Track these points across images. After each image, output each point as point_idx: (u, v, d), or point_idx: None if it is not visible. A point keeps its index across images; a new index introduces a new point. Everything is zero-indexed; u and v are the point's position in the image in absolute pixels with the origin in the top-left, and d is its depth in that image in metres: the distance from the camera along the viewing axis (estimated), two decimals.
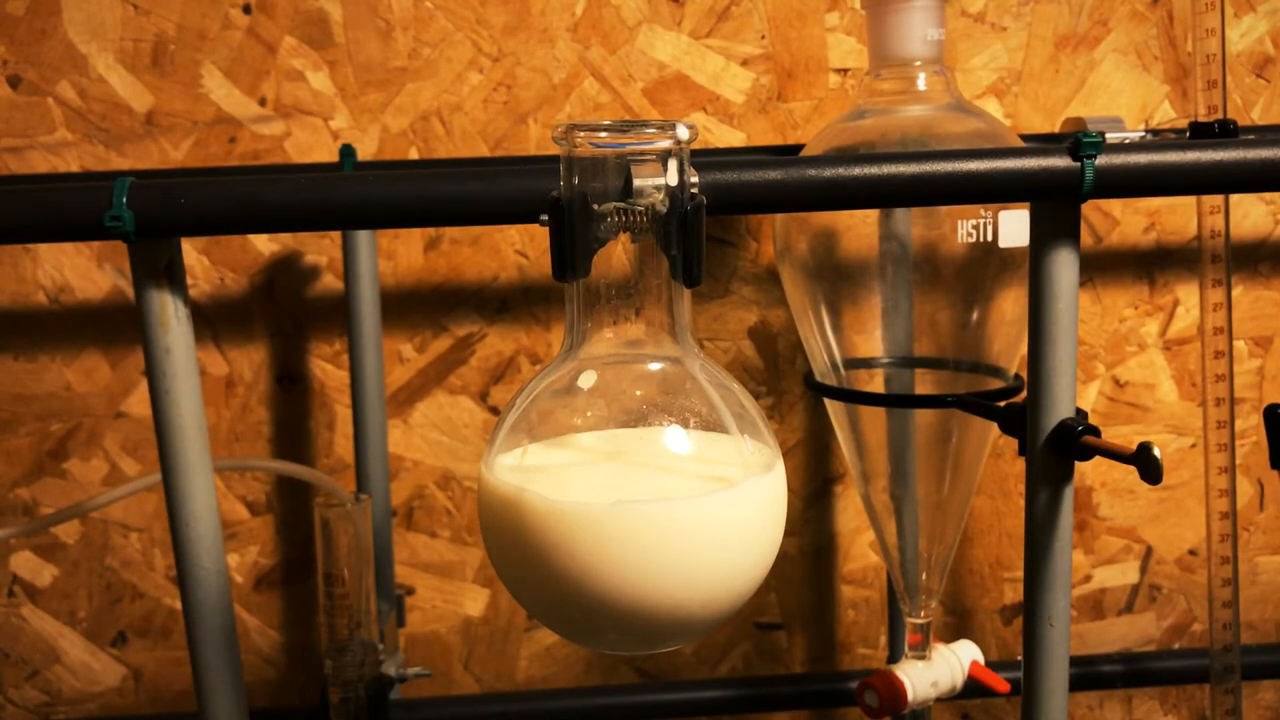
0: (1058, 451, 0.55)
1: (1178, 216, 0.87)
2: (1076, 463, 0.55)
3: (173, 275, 0.52)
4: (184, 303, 0.52)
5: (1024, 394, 0.58)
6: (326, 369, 0.85)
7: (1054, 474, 0.56)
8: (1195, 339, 0.88)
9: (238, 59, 0.81)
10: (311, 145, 0.82)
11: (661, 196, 0.40)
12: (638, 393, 0.42)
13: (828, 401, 0.72)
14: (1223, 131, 0.70)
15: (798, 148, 0.74)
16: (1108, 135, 0.69)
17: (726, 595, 0.41)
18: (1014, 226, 0.64)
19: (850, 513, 0.89)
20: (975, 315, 0.67)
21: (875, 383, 0.70)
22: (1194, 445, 0.89)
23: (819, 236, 0.68)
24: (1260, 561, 0.92)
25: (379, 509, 0.79)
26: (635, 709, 0.86)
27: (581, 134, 0.39)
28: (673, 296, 0.42)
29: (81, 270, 0.83)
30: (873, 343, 0.69)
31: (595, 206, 0.40)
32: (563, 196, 0.40)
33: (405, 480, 0.86)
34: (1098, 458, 0.54)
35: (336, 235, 0.82)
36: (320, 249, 0.83)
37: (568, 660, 0.89)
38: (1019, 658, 0.74)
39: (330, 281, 0.84)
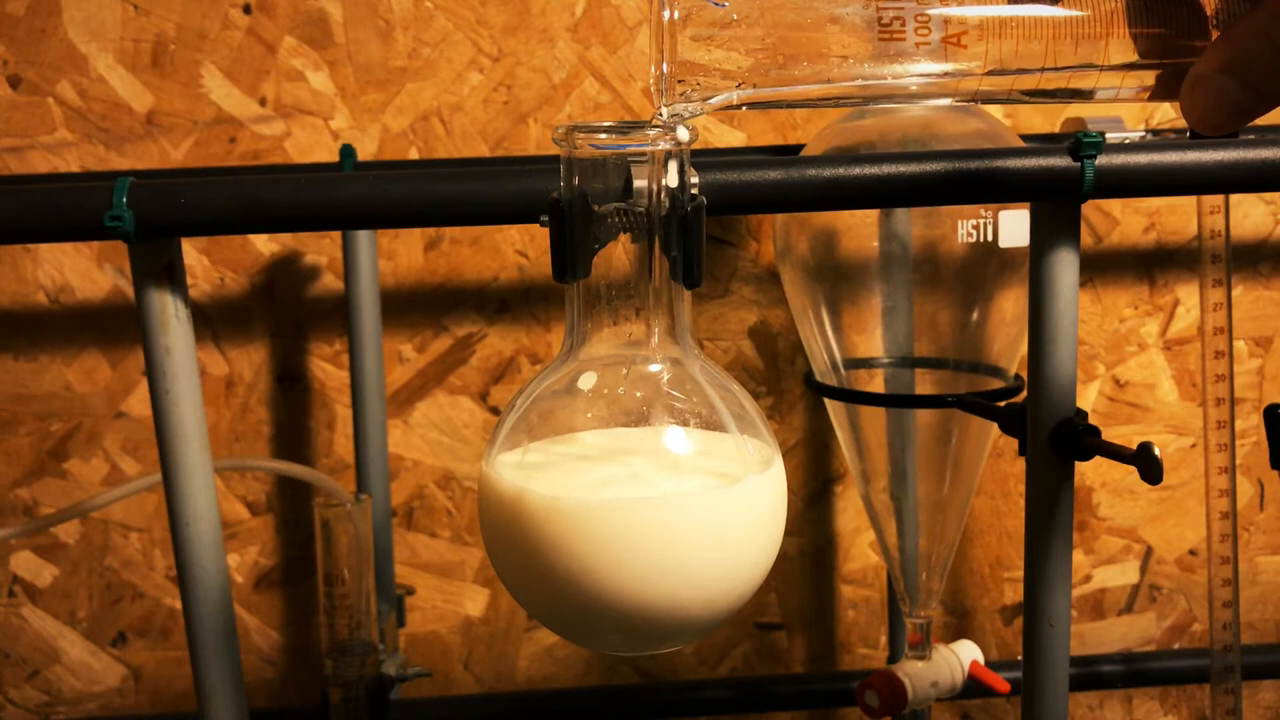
0: (1058, 451, 0.55)
1: (1178, 216, 0.87)
2: (1076, 463, 0.55)
3: (173, 275, 0.52)
4: (184, 303, 0.52)
5: (1024, 394, 0.58)
6: (326, 369, 0.85)
7: (1054, 474, 0.55)
8: (1195, 339, 0.88)
9: (238, 59, 0.81)
10: (311, 145, 0.82)
11: (662, 197, 0.40)
12: (638, 393, 0.42)
13: (828, 401, 0.72)
14: None
15: (798, 148, 0.74)
16: (1108, 135, 0.69)
17: (727, 595, 0.41)
18: (1014, 226, 0.64)
19: (850, 513, 0.89)
20: (975, 315, 0.67)
21: (875, 383, 0.70)
22: (1194, 445, 0.89)
23: (819, 236, 0.68)
24: (1260, 561, 0.92)
25: (379, 509, 0.79)
26: (635, 709, 0.86)
27: (582, 135, 0.39)
28: (673, 297, 0.42)
29: (81, 270, 0.83)
30: (873, 343, 0.69)
31: (595, 207, 0.40)
32: (563, 197, 0.40)
33: (405, 480, 0.86)
34: (1098, 458, 0.54)
35: (336, 235, 0.82)
36: (320, 249, 0.83)
37: (568, 660, 0.89)
38: (1019, 658, 0.74)
39: (330, 281, 0.84)
